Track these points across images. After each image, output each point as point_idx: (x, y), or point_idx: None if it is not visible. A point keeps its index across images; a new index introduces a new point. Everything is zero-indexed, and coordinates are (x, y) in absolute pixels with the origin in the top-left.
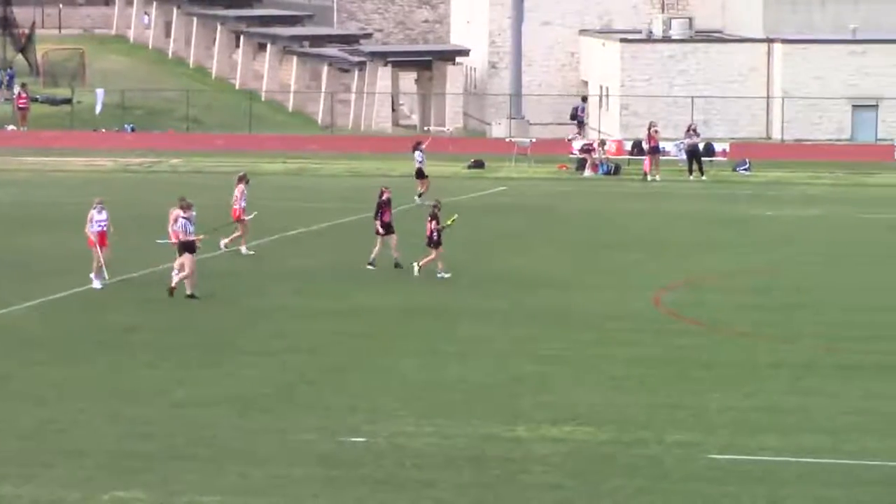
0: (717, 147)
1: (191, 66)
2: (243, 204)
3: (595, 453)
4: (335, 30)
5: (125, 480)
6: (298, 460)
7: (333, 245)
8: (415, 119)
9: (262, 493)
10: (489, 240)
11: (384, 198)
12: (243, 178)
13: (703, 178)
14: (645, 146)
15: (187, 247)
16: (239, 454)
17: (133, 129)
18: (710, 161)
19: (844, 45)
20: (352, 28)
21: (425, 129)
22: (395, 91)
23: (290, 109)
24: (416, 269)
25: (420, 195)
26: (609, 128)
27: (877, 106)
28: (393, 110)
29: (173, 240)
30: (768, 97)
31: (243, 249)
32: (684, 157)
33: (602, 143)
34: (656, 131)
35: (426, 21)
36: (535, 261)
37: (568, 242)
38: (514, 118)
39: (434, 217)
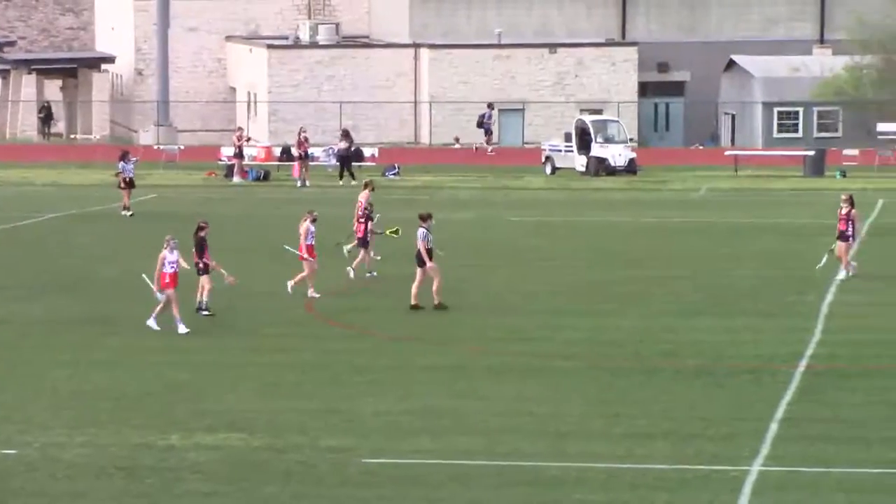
0: (367, 152)
1: None
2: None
3: (249, 460)
4: None
5: None
6: None
7: None
8: (61, 127)
9: None
10: (142, 249)
11: (202, 234)
12: (368, 185)
13: (353, 182)
14: (295, 152)
15: (426, 256)
16: None
17: None
18: (360, 166)
19: (489, 49)
20: None
21: (72, 136)
22: (41, 99)
23: None
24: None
25: (127, 207)
26: (258, 134)
27: (523, 109)
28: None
29: (304, 254)
30: (416, 102)
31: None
32: (334, 162)
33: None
34: (306, 138)
35: (71, 28)
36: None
37: (221, 249)
38: (161, 125)
39: (369, 218)
